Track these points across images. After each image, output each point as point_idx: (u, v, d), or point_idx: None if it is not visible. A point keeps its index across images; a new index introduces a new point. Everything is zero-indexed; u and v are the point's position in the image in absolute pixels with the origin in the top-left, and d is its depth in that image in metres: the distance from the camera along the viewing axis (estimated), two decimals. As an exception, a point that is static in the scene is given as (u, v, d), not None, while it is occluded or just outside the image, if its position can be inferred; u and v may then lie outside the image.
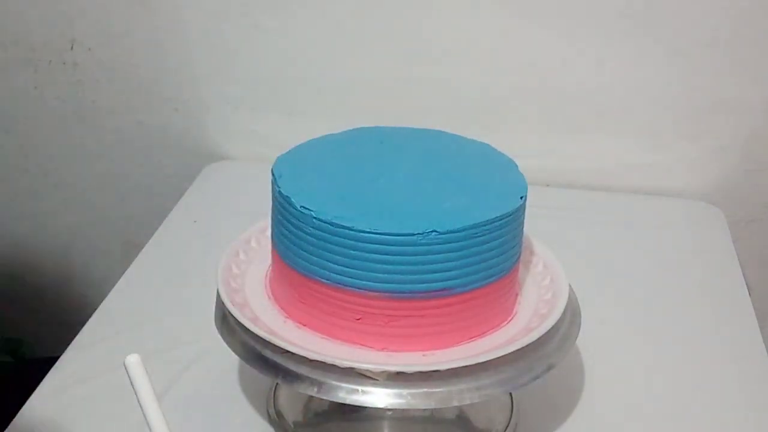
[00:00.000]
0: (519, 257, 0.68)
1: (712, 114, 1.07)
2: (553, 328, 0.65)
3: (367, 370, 0.61)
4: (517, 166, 0.70)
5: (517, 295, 0.70)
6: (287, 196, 0.63)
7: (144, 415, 0.49)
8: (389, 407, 0.61)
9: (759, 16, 1.01)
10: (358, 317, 0.63)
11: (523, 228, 0.68)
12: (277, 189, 0.65)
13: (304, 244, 0.63)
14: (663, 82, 1.06)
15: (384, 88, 1.12)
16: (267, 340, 0.62)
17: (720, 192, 1.12)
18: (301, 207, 0.62)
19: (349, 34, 1.10)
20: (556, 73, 1.08)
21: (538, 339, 0.63)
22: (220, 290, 0.68)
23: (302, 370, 0.61)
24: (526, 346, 0.63)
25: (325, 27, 1.10)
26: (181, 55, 1.15)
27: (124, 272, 0.93)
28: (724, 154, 1.10)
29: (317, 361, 0.61)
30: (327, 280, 0.62)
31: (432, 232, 0.60)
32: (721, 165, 1.11)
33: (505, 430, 0.72)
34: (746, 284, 0.95)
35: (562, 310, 0.66)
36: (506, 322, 0.68)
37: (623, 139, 1.11)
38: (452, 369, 0.61)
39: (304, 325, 0.66)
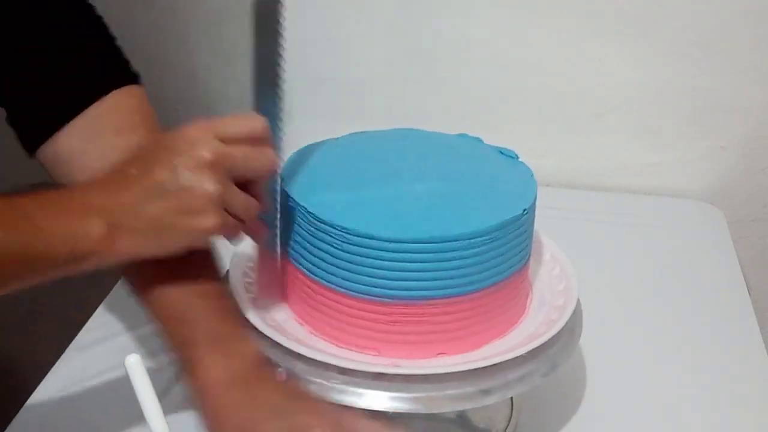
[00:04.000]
0: (528, 260, 0.68)
1: (712, 114, 1.07)
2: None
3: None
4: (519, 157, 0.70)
5: (527, 297, 0.70)
6: (297, 201, 0.63)
7: (144, 415, 0.49)
8: (388, 410, 0.61)
9: (759, 17, 1.01)
10: (359, 320, 0.63)
11: (532, 231, 0.68)
12: (286, 194, 0.65)
13: (310, 247, 0.63)
14: (663, 82, 1.06)
15: (383, 88, 1.12)
16: (269, 337, 0.62)
17: (720, 192, 1.12)
18: (308, 211, 0.62)
19: (349, 35, 1.10)
20: (556, 72, 1.08)
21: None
22: (234, 290, 0.67)
23: (303, 370, 0.61)
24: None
25: (324, 27, 1.10)
26: (181, 55, 1.15)
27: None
28: (724, 154, 1.10)
29: (320, 361, 0.61)
30: (330, 283, 0.62)
31: (445, 240, 0.60)
32: (721, 165, 1.10)
33: (505, 430, 0.72)
34: (746, 284, 0.95)
35: (561, 325, 0.65)
36: (515, 327, 0.68)
37: (623, 139, 1.11)
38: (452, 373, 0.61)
39: (308, 328, 0.66)
